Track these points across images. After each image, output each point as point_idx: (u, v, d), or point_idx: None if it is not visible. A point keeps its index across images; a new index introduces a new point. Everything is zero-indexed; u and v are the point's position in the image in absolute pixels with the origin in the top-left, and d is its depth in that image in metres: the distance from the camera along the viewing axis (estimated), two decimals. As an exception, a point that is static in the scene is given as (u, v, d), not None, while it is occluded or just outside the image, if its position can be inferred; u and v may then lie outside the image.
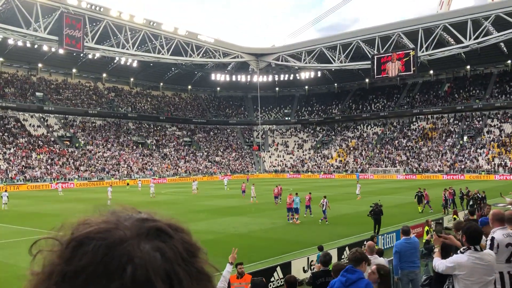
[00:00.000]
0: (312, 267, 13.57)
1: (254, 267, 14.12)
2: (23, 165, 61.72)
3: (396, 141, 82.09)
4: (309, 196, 26.49)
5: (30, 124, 71.92)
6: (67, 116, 78.60)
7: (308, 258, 14.07)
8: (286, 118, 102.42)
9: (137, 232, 0.67)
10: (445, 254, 6.94)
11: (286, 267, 13.13)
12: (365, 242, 15.16)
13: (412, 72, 73.48)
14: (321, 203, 24.52)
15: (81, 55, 76.95)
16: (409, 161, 74.70)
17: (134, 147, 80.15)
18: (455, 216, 20.49)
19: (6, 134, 66.73)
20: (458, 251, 5.28)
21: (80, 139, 74.53)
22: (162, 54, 73.72)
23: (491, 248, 5.86)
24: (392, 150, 79.80)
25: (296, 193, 25.38)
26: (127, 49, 69.13)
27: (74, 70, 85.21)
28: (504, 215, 6.39)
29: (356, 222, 24.64)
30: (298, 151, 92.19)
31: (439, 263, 5.21)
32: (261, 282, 6.92)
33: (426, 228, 19.02)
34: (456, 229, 7.75)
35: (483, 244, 6.10)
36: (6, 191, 37.25)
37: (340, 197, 38.35)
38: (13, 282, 13.34)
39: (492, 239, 5.99)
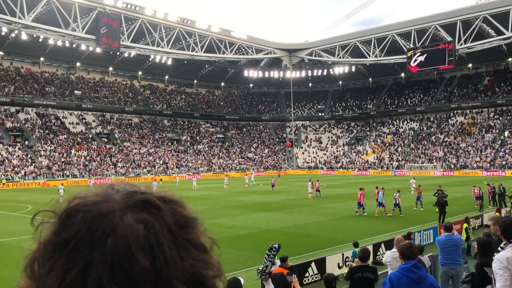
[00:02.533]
0: (347, 263, 13.43)
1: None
2: (63, 161, 63.78)
3: (433, 137, 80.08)
4: (361, 193, 25.84)
5: (69, 122, 74.19)
6: (104, 113, 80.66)
7: (343, 254, 13.93)
8: (320, 114, 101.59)
9: (124, 204, 0.69)
10: (485, 253, 6.76)
11: (320, 263, 13.05)
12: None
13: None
14: (394, 196, 25.18)
15: (117, 53, 78.67)
16: (446, 157, 72.75)
17: (169, 144, 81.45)
18: (497, 213, 19.80)
19: (47, 131, 69.08)
20: (499, 248, 5.15)
21: (117, 136, 76.34)
22: (196, 51, 74.45)
23: None
24: (429, 146, 77.92)
25: (383, 188, 25.86)
26: (162, 47, 70.20)
27: (110, 69, 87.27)
28: None
29: (392, 219, 24.25)
30: (332, 147, 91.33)
31: (498, 286, 5.02)
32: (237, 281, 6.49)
33: (465, 225, 18.53)
34: (495, 224, 7.56)
35: None
36: (62, 184, 39.76)
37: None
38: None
39: None
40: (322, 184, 42.04)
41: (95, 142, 72.49)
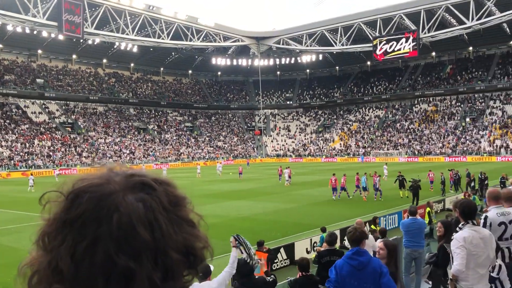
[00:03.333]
0: (314, 248, 13.69)
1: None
2: (25, 152, 61.92)
3: (398, 124, 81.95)
4: (334, 178, 26.77)
5: (31, 111, 71.93)
6: (68, 102, 78.57)
7: (311, 239, 14.19)
8: (288, 102, 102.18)
9: (124, 186, 0.79)
10: (449, 234, 7.03)
11: (289, 249, 13.26)
12: (367, 223, 15.29)
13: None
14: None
15: (81, 40, 76.51)
16: (411, 143, 74.67)
17: (136, 133, 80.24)
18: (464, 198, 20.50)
19: (7, 121, 66.80)
20: (457, 228, 5.38)
21: (81, 125, 74.59)
22: (162, 38, 73.28)
23: (484, 226, 5.98)
24: (394, 133, 79.72)
25: (365, 173, 27.39)
26: (127, 34, 68.71)
27: (74, 56, 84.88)
28: (500, 193, 6.49)
29: (358, 204, 24.80)
30: (300, 135, 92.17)
31: (455, 264, 5.20)
32: (245, 262, 6.82)
33: (428, 209, 19.16)
34: (454, 207, 7.89)
35: (479, 221, 6.21)
36: (32, 175, 39.96)
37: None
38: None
39: (485, 217, 6.14)
40: (295, 170, 42.44)
41: (59, 132, 70.63)
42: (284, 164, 50.02)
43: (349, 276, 4.91)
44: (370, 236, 9.93)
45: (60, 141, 68.18)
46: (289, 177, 35.87)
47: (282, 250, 13.03)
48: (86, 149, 68.62)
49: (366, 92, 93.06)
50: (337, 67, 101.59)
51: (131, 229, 0.75)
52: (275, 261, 12.56)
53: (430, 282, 7.94)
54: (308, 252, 13.60)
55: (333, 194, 26.82)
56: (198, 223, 0.86)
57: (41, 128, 69.21)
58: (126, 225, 0.75)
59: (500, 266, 5.79)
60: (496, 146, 65.64)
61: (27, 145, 63.68)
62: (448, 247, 6.01)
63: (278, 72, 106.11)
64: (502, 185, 23.17)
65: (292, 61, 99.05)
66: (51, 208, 0.81)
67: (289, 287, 7.37)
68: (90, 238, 0.74)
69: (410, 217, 10.27)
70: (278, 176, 38.52)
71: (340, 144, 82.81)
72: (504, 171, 31.97)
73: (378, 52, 76.62)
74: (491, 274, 5.76)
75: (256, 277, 6.92)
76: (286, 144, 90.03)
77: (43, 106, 74.69)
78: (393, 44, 74.42)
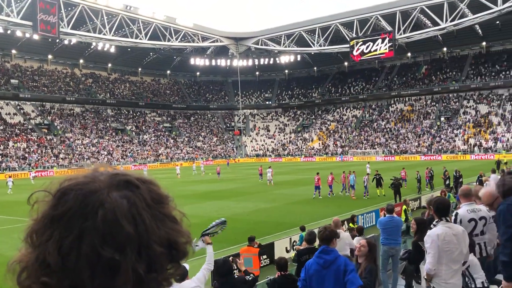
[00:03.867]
0: (294, 247, 13.93)
1: (238, 249, 14.40)
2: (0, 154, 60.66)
3: (375, 124, 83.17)
4: (318, 177, 27.29)
5: (5, 112, 70.46)
6: (44, 103, 77.20)
7: (290, 238, 14.43)
8: (267, 102, 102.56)
9: (109, 184, 0.84)
10: (421, 231, 7.31)
11: (269, 248, 13.45)
12: (345, 222, 15.62)
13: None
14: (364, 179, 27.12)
15: (57, 40, 75.24)
16: (387, 142, 75.88)
17: (114, 134, 79.39)
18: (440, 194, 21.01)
19: (-19, 122, 65.32)
20: (432, 225, 5.62)
21: (58, 127, 73.43)
22: (140, 38, 72.69)
23: (455, 223, 6.25)
24: (371, 133, 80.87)
25: (354, 171, 28.21)
26: (104, 34, 67.93)
27: (50, 56, 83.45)
28: (471, 190, 6.76)
29: (337, 203, 25.19)
30: (279, 135, 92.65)
31: (427, 262, 5.40)
32: (224, 262, 6.91)
33: (404, 207, 19.62)
34: (428, 204, 8.20)
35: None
36: (10, 177, 40.03)
37: (322, 179, 38.88)
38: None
39: (456, 214, 6.36)
40: (277, 170, 42.71)
41: (35, 133, 69.39)
42: (265, 164, 50.39)
43: (315, 274, 5.08)
44: (347, 234, 10.20)
45: (36, 143, 66.99)
46: (271, 176, 36.35)
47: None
48: (63, 151, 67.58)
49: (344, 92, 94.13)
50: (315, 68, 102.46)
51: (116, 223, 0.78)
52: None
53: (404, 277, 8.21)
54: (287, 251, 13.83)
55: (314, 193, 27.19)
56: (181, 219, 0.90)
57: (16, 129, 67.88)
58: (111, 220, 0.78)
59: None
60: (470, 144, 67.29)
61: (2, 147, 62.38)
62: (422, 244, 6.26)
63: (257, 73, 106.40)
64: (479, 183, 23.82)
65: (271, 62, 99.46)
66: (39, 207, 0.84)
67: (268, 286, 7.47)
68: (76, 232, 0.78)
69: (387, 215, 10.56)
70: (259, 175, 38.82)
71: (319, 143, 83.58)
72: (478, 169, 32.86)
73: (355, 53, 77.67)
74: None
75: (236, 276, 7.01)
76: (266, 144, 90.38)
77: (18, 107, 73.23)
78: (369, 45, 75.54)
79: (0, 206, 27.21)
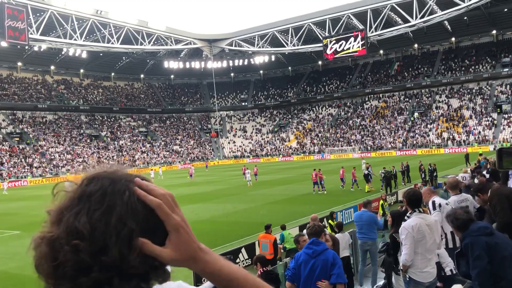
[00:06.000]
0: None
1: (219, 250, 14.34)
2: (-30, 165, 58.94)
3: (351, 121, 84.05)
4: (315, 173, 28.33)
5: (-25, 122, 68.54)
6: (15, 112, 75.31)
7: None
8: (243, 104, 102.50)
9: (128, 177, 0.98)
10: (397, 223, 7.42)
11: (250, 248, 13.43)
12: (324, 219, 15.71)
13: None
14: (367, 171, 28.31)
15: (26, 47, 73.61)
16: (363, 139, 76.78)
17: (88, 141, 78.07)
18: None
19: (-51, 133, 63.33)
20: (405, 217, 5.73)
21: (30, 135, 71.79)
22: (112, 43, 71.78)
23: (434, 208, 6.43)
24: (346, 130, 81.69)
25: (369, 165, 29.36)
26: (75, 39, 66.80)
27: (19, 64, 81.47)
28: (458, 182, 7.08)
29: (316, 201, 25.34)
30: (256, 135, 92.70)
31: (403, 254, 5.51)
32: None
33: (381, 201, 19.88)
34: (404, 198, 8.38)
35: (426, 210, 6.65)
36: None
37: (300, 178, 39.16)
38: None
39: (447, 204, 6.65)
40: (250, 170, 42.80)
41: (7, 143, 67.64)
42: (248, 165, 50.56)
43: (304, 263, 5.31)
44: (344, 235, 10.35)
45: (8, 153, 65.33)
46: (255, 175, 38.24)
47: (243, 250, 13.19)
48: (36, 159, 66.11)
49: (319, 91, 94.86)
50: (289, 68, 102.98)
51: (135, 205, 0.92)
52: (237, 261, 12.71)
53: (383, 270, 8.33)
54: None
55: (313, 188, 28.42)
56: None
57: (-13, 139, 66.05)
58: (133, 201, 0.92)
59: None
60: (444, 138, 68.67)
61: (-28, 158, 60.61)
62: (398, 236, 6.39)
63: (232, 74, 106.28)
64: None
65: (246, 63, 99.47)
66: (63, 196, 0.95)
67: None
68: (106, 206, 0.91)
69: (362, 209, 10.71)
70: (243, 175, 38.82)
71: (296, 142, 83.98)
72: (451, 162, 33.62)
73: (328, 52, 78.42)
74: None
75: None
76: (243, 145, 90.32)
77: (-12, 116, 71.31)
78: (342, 43, 76.38)
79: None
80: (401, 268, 5.58)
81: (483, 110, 70.73)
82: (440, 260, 6.20)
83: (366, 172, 28.21)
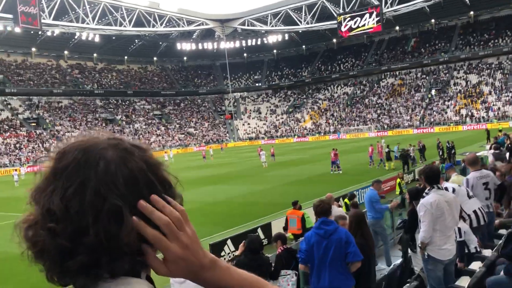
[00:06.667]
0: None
1: (235, 231, 14.27)
2: (-10, 151, 59.94)
3: (367, 100, 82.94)
4: (334, 152, 28.05)
5: (-8, 108, 69.49)
6: (31, 97, 76.09)
7: (286, 217, 14.23)
8: (257, 84, 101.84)
9: (107, 144, 0.87)
10: (414, 201, 7.19)
11: (266, 228, 13.31)
12: (340, 198, 15.48)
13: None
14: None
15: (39, 32, 73.86)
16: (379, 118, 75.82)
17: (104, 125, 78.61)
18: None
19: (-32, 120, 64.37)
20: (424, 194, 5.50)
21: (47, 120, 72.58)
22: (124, 26, 71.62)
23: (467, 187, 6.33)
24: (362, 109, 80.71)
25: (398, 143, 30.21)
26: (87, 23, 66.84)
27: (33, 49, 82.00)
28: (478, 158, 6.97)
29: (331, 181, 25.10)
30: (271, 116, 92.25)
31: (422, 231, 5.36)
32: (257, 237, 7.21)
33: (398, 180, 19.54)
34: (420, 175, 8.17)
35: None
36: (16, 170, 41.80)
37: (315, 158, 38.90)
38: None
39: (467, 180, 6.56)
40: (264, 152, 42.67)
41: (24, 128, 68.53)
42: (263, 146, 50.50)
43: (316, 244, 5.21)
44: (338, 209, 10.20)
45: (25, 138, 66.22)
46: (272, 155, 38.88)
47: (259, 230, 13.07)
48: (53, 144, 66.62)
49: (334, 70, 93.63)
50: (303, 46, 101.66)
51: (115, 175, 0.82)
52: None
53: (401, 248, 8.17)
54: (284, 230, 13.67)
55: (331, 168, 28.34)
56: (175, 184, 0.93)
57: (4, 125, 66.98)
58: (112, 171, 0.83)
59: (459, 229, 6.01)
60: (462, 115, 67.39)
61: (-9, 144, 61.60)
62: (415, 213, 6.22)
63: (245, 54, 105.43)
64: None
65: (259, 42, 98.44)
66: (41, 174, 0.88)
67: (276, 261, 7.38)
68: (79, 181, 0.82)
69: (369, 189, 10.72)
70: (259, 156, 38.76)
71: (311, 123, 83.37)
72: (470, 139, 32.96)
73: (343, 29, 77.09)
74: (457, 239, 5.97)
75: (264, 255, 6.90)
76: (258, 126, 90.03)
77: (5, 102, 72.16)
78: (357, 20, 74.94)
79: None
80: (420, 245, 5.40)
81: (502, 85, 69.04)
82: (465, 237, 6.07)
83: (387, 150, 28.11)
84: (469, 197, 6.34)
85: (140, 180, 0.85)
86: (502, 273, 4.16)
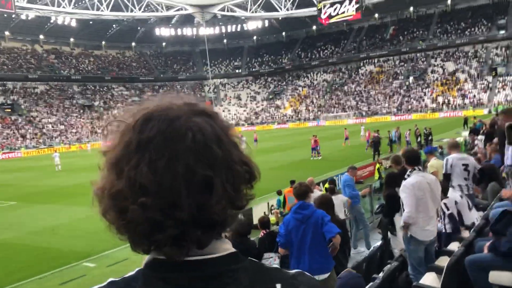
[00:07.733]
0: (272, 211, 13.94)
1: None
2: (-37, 138, 58.44)
3: (346, 87, 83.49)
4: (314, 139, 28.43)
5: (-35, 94, 67.56)
6: (5, 82, 74.17)
7: (268, 203, 14.40)
8: (237, 71, 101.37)
9: (188, 111, 0.86)
10: (390, 184, 7.35)
11: (248, 213, 13.38)
12: (321, 183, 15.68)
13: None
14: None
15: (13, 16, 71.76)
16: (358, 105, 76.49)
17: (81, 111, 77.35)
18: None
19: None
20: (406, 176, 5.63)
21: (22, 106, 70.96)
22: (102, 10, 70.15)
23: (446, 166, 6.54)
24: (341, 96, 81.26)
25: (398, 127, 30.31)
26: (63, 7, 65.33)
27: (7, 33, 79.66)
28: (457, 142, 7.24)
29: (312, 166, 25.33)
30: (251, 103, 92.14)
31: (406, 212, 5.45)
32: (246, 221, 7.28)
33: (378, 165, 19.89)
34: (394, 163, 8.35)
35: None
36: (56, 151, 40.06)
37: (296, 144, 39.15)
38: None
39: (446, 160, 6.86)
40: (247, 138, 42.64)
41: (-2, 114, 66.95)
42: (244, 133, 50.27)
43: (294, 229, 5.24)
44: (319, 192, 10.34)
45: (0, 124, 64.69)
46: (255, 141, 39.04)
47: (240, 215, 13.14)
48: (29, 131, 65.56)
49: (314, 57, 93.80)
50: (283, 33, 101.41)
51: (204, 145, 0.81)
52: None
53: (380, 231, 8.36)
54: (283, 206, 13.92)
55: (312, 154, 28.76)
56: (240, 146, 0.94)
57: (-22, 111, 65.32)
58: (200, 141, 0.81)
59: (445, 204, 6.18)
60: (439, 102, 68.51)
61: (-36, 130, 60.03)
62: (393, 197, 6.38)
63: (225, 41, 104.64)
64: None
65: (239, 29, 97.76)
66: (119, 133, 0.86)
67: (259, 244, 7.46)
68: (169, 154, 0.80)
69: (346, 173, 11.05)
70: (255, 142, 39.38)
71: (291, 110, 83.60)
72: (447, 126, 33.61)
73: (322, 16, 77.16)
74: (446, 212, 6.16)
75: (251, 240, 6.97)
76: (238, 113, 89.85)
77: (-22, 88, 70.25)
78: (337, 7, 75.07)
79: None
80: (402, 225, 5.53)
81: (478, 73, 70.34)
82: (460, 210, 6.29)
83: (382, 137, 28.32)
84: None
85: (225, 142, 0.86)
86: (485, 250, 4.31)
